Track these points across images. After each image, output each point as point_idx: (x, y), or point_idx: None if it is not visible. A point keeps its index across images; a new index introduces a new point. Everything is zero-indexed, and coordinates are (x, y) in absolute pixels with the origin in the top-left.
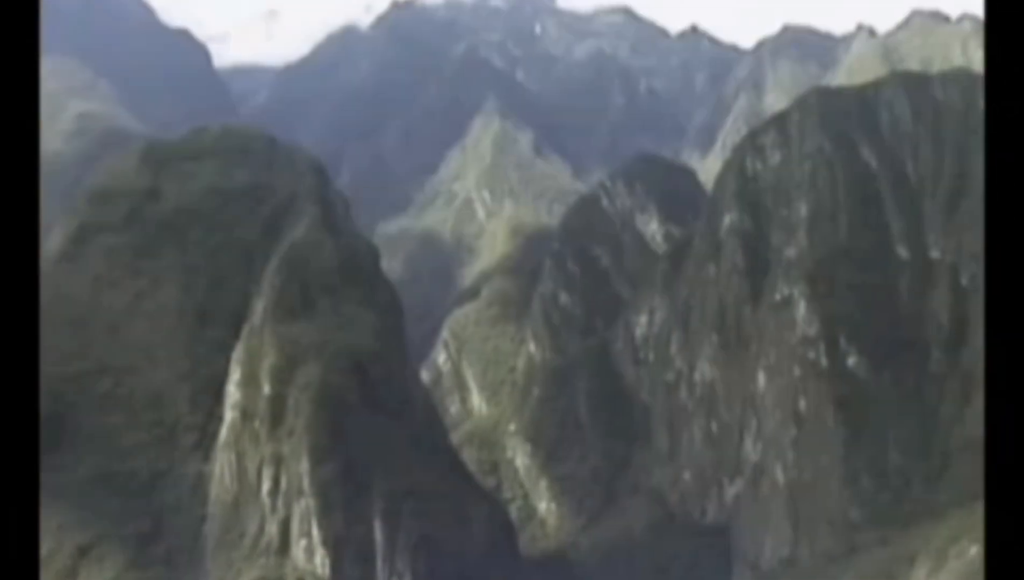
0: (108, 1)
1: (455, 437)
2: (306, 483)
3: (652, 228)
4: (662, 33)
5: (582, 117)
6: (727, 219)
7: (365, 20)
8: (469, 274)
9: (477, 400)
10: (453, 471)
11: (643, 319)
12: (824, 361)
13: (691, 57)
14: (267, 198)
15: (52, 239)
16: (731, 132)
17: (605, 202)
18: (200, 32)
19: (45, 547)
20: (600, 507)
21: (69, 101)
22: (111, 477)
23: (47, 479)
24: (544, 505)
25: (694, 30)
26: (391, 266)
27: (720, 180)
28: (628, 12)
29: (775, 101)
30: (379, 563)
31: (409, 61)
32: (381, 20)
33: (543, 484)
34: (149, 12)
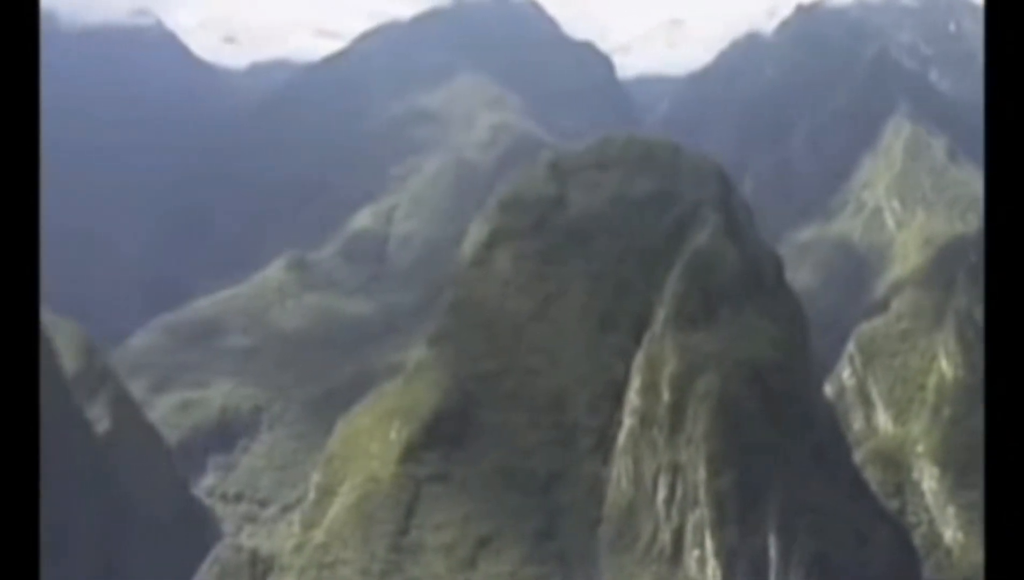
0: (515, 18)
1: (858, 455)
2: (702, 493)
3: None
4: None
5: None
6: None
7: (769, 25)
8: (879, 285)
9: (883, 418)
10: (854, 490)
11: None
12: None
13: None
14: (671, 206)
15: (466, 245)
16: None
17: None
18: (603, 44)
19: (449, 536)
20: None
21: (481, 114)
22: (512, 474)
23: (454, 471)
24: (951, 533)
25: None
26: (797, 276)
27: None
28: None
29: None
30: (772, 578)
31: (815, 65)
32: (785, 24)
33: (951, 511)
34: (554, 26)
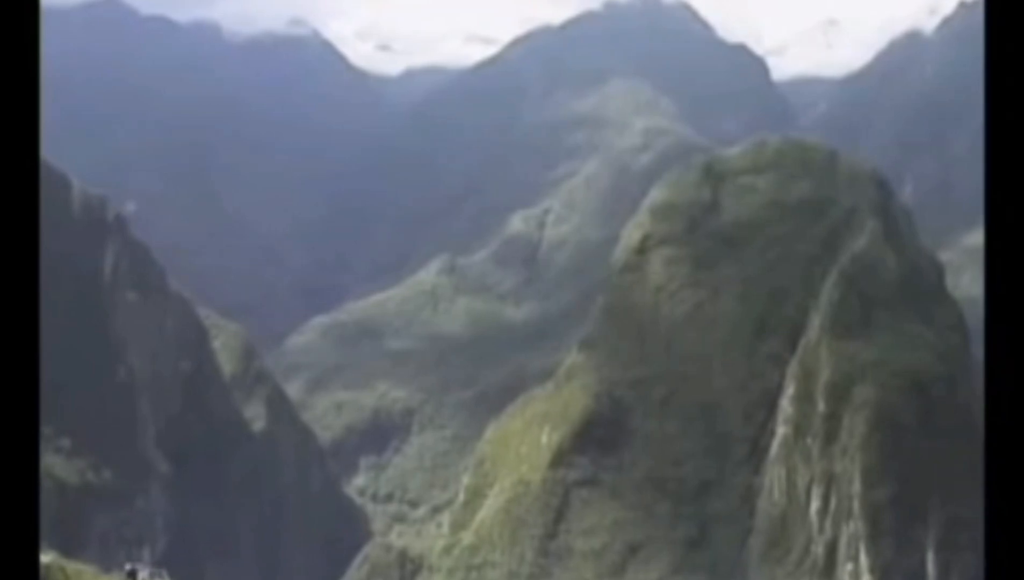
0: (667, 21)
1: None
2: (856, 505)
3: None
4: None
5: None
6: None
7: (930, 23)
8: None
9: None
10: None
11: None
12: None
13: None
14: (827, 211)
15: (618, 250)
16: None
17: None
18: (758, 46)
19: (598, 542)
20: None
21: (634, 118)
22: (663, 481)
23: (604, 477)
24: None
25: None
26: (960, 282)
27: None
28: None
29: None
30: None
31: (979, 64)
32: (947, 22)
33: None
34: (708, 29)
